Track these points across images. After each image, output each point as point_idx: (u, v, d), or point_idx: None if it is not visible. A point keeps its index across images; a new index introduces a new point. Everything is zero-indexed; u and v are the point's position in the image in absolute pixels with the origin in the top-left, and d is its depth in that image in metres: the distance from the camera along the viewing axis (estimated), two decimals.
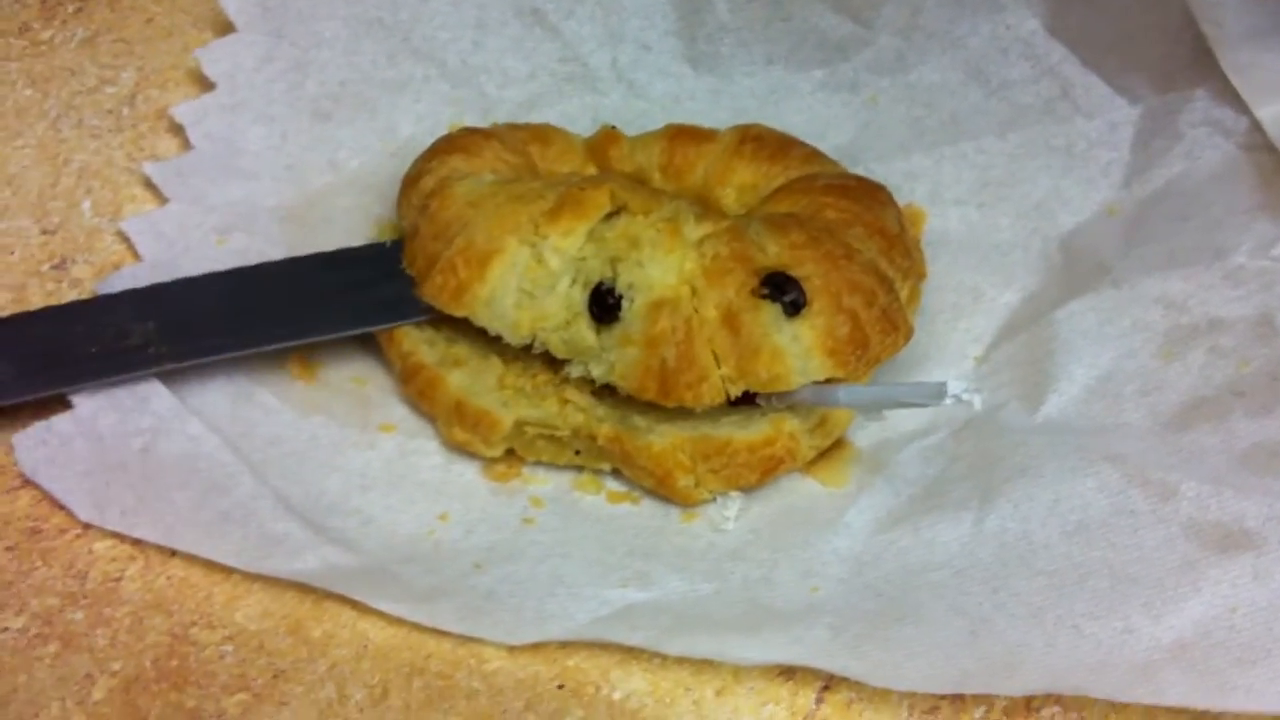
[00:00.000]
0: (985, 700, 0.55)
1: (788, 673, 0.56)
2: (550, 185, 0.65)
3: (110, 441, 0.61)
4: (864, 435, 0.66)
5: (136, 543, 0.59)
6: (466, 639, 0.57)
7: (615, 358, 0.62)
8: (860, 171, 0.72)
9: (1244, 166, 0.66)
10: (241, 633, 0.57)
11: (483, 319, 0.64)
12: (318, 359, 0.68)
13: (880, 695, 0.55)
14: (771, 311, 0.61)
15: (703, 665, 0.56)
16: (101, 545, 0.59)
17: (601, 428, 0.63)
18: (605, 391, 0.65)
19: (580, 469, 0.66)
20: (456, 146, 0.69)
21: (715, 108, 0.78)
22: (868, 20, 0.76)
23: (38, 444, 0.60)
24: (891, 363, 0.65)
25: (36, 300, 0.67)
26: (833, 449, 0.65)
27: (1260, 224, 0.64)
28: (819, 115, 0.77)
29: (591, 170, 0.71)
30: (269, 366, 0.66)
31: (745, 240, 0.62)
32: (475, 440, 0.64)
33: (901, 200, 0.72)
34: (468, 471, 0.65)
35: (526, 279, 0.63)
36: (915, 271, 0.67)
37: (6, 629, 0.56)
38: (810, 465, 0.65)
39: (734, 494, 0.64)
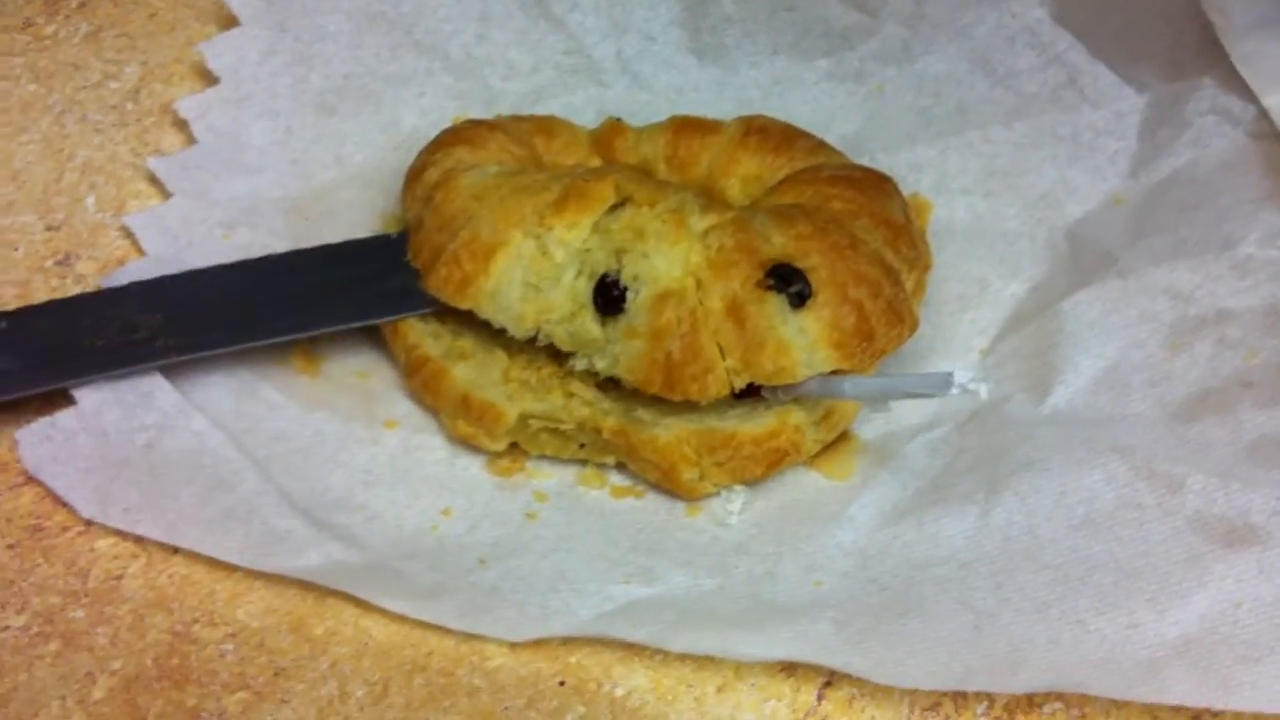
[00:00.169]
0: (987, 696, 0.55)
1: (789, 669, 0.56)
2: (555, 177, 0.65)
3: (114, 437, 0.61)
4: (869, 428, 0.66)
5: (138, 541, 0.59)
6: (468, 636, 0.57)
7: (620, 350, 0.62)
8: (866, 162, 0.72)
9: (1252, 155, 0.66)
10: (243, 630, 0.57)
11: (487, 312, 0.64)
12: (321, 353, 0.68)
13: (882, 692, 0.55)
14: (777, 303, 0.60)
15: (704, 662, 0.56)
16: (103, 543, 0.59)
17: (606, 421, 0.63)
18: (610, 384, 0.65)
19: (584, 463, 0.66)
20: (461, 138, 0.69)
21: (720, 99, 0.78)
22: (873, 9, 0.76)
23: (41, 440, 0.60)
24: (897, 355, 0.65)
25: (41, 296, 0.67)
26: (837, 442, 0.65)
27: (1268, 213, 0.63)
28: (824, 106, 0.77)
29: (596, 162, 0.71)
30: (273, 361, 0.66)
31: (750, 232, 0.62)
32: (480, 433, 0.64)
33: (907, 191, 0.71)
34: (471, 467, 0.65)
35: (531, 271, 0.62)
36: (921, 263, 0.66)
37: (8, 627, 0.56)
38: (815, 458, 0.65)
39: (738, 488, 0.64)
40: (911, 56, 0.75)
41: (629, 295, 0.62)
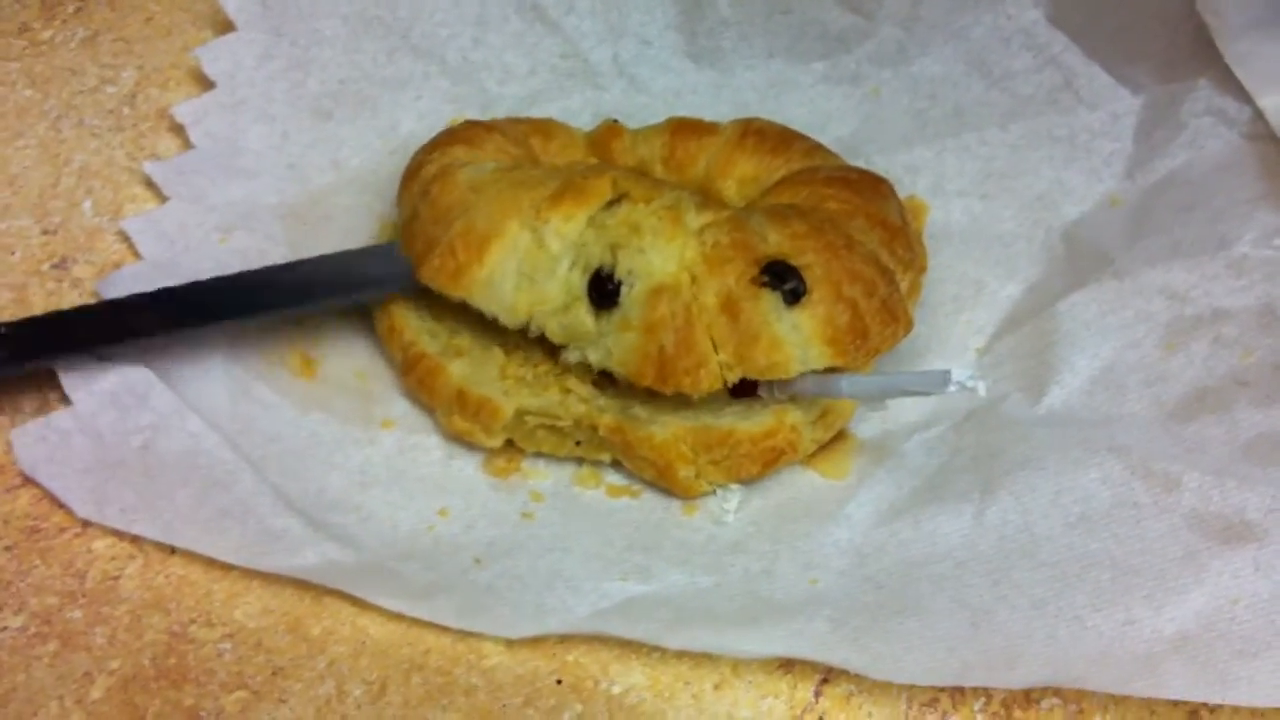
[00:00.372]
0: (985, 692, 0.55)
1: (786, 666, 0.56)
2: (552, 173, 0.65)
3: (110, 438, 0.61)
4: (865, 427, 0.66)
5: (135, 541, 0.59)
6: (465, 635, 0.57)
7: (613, 343, 0.62)
8: (861, 164, 0.72)
9: (1247, 156, 0.66)
10: (240, 630, 0.57)
11: (480, 301, 0.64)
12: (317, 355, 0.68)
13: (879, 688, 0.55)
14: (771, 300, 0.60)
15: (701, 659, 0.56)
16: (100, 544, 0.59)
17: (603, 418, 0.63)
18: (606, 382, 0.65)
19: (580, 462, 0.66)
20: (458, 138, 0.69)
21: (716, 101, 0.78)
22: (869, 12, 0.76)
23: (36, 440, 0.60)
24: (893, 355, 0.65)
25: (37, 299, 0.67)
26: (834, 441, 0.65)
27: (1263, 214, 0.64)
28: (820, 108, 0.77)
29: (593, 163, 0.71)
30: (268, 363, 0.66)
31: (746, 230, 0.62)
32: (476, 429, 0.64)
33: (903, 193, 0.72)
34: (467, 467, 0.65)
35: (526, 262, 0.62)
36: (917, 264, 0.67)
37: (5, 628, 0.56)
38: (811, 457, 0.65)
39: (734, 486, 0.64)
40: (907, 59, 0.76)
41: (623, 289, 0.62)
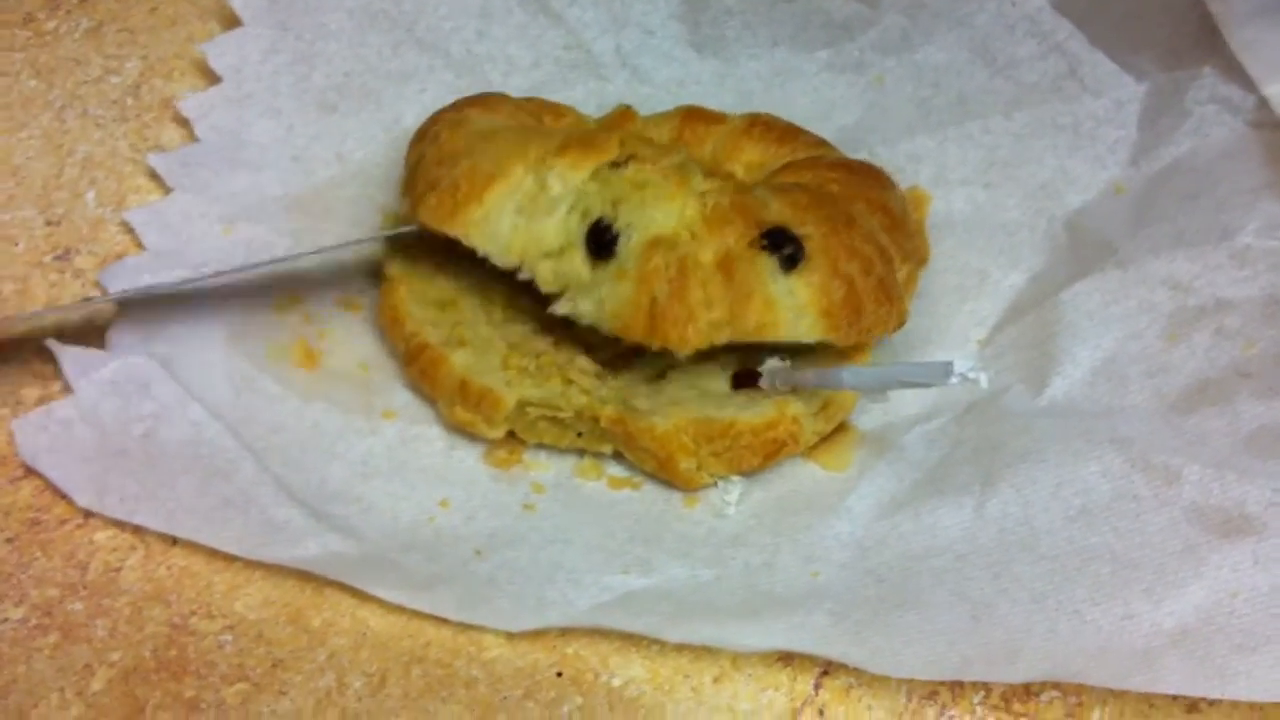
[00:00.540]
0: (984, 685, 0.55)
1: (786, 659, 0.56)
2: (563, 130, 0.66)
3: (111, 427, 0.61)
4: (867, 419, 0.66)
5: (137, 533, 0.59)
6: (466, 627, 0.57)
7: (606, 294, 0.61)
8: (865, 154, 0.72)
9: (1252, 144, 0.65)
10: (241, 622, 0.57)
11: (475, 239, 0.63)
12: (320, 345, 0.68)
13: (879, 681, 0.55)
14: (768, 263, 0.60)
15: (701, 652, 0.56)
16: (102, 536, 0.59)
17: (604, 409, 0.63)
18: (609, 373, 0.65)
19: (581, 454, 0.66)
20: (474, 103, 0.70)
21: (720, 91, 0.78)
22: (873, 0, 0.75)
23: (38, 429, 0.60)
24: (894, 346, 0.65)
25: (40, 290, 0.67)
26: (835, 433, 0.65)
27: (1267, 203, 0.63)
28: (824, 96, 0.77)
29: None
30: (271, 352, 0.66)
31: (749, 195, 0.62)
32: (478, 420, 0.64)
33: (907, 182, 0.72)
34: (469, 458, 0.65)
35: (525, 203, 0.62)
36: (915, 256, 0.66)
37: (6, 620, 0.56)
38: (812, 449, 0.65)
39: (735, 479, 0.64)
40: (911, 46, 0.75)
41: (620, 241, 0.61)
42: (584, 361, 0.65)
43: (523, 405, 0.64)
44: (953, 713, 0.55)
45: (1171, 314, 0.63)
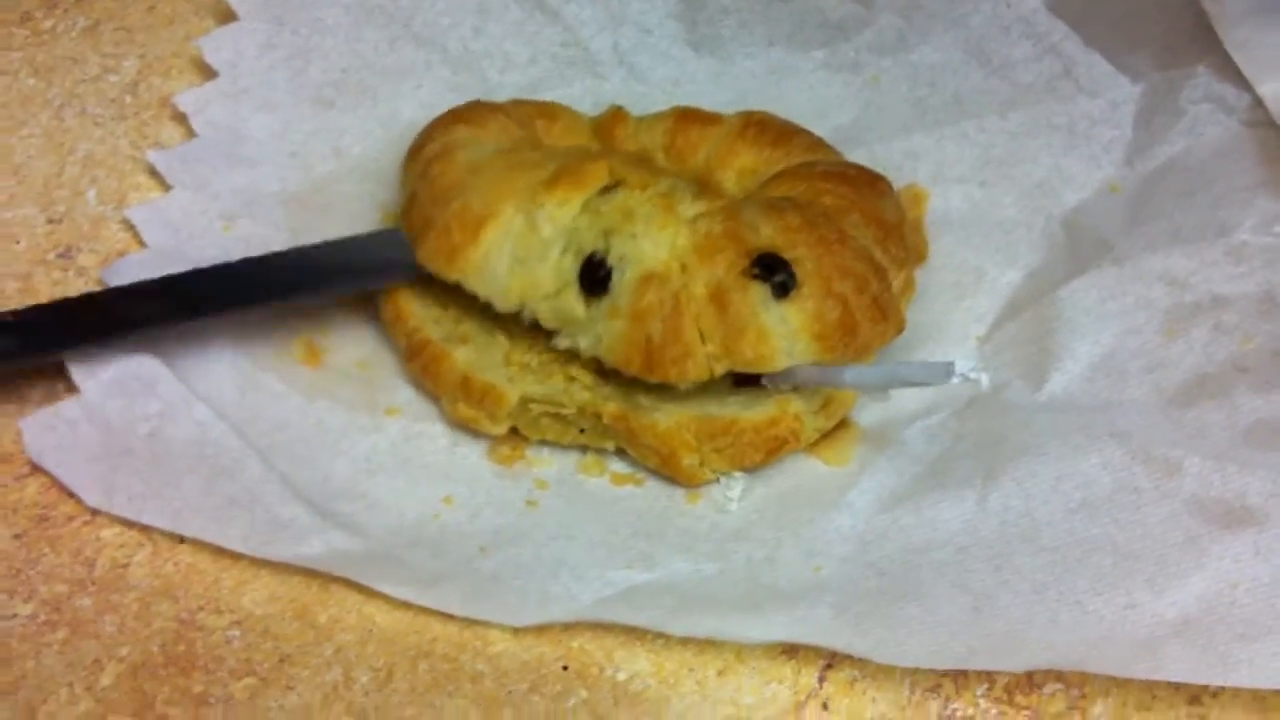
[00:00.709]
0: (987, 677, 0.55)
1: (790, 652, 0.56)
2: (550, 156, 0.65)
3: (117, 426, 0.61)
4: (867, 414, 0.67)
5: (144, 529, 0.59)
6: (471, 622, 0.57)
7: (603, 330, 0.62)
8: (862, 152, 0.72)
9: (1246, 143, 0.66)
10: (248, 618, 0.57)
11: (474, 284, 0.64)
12: (323, 343, 0.68)
13: (883, 673, 0.56)
14: (760, 292, 0.60)
15: (706, 645, 0.57)
16: (109, 532, 0.59)
17: (607, 406, 0.64)
18: (611, 369, 0.65)
19: (584, 450, 0.66)
20: (461, 118, 0.69)
21: (717, 90, 0.78)
22: (868, 0, 0.76)
23: (45, 429, 0.60)
24: (893, 345, 0.65)
25: (43, 288, 0.67)
26: (836, 429, 0.65)
27: (1263, 200, 0.64)
28: (820, 96, 0.77)
29: (595, 148, 0.71)
30: (275, 352, 0.66)
31: (739, 220, 0.62)
32: (480, 416, 0.65)
33: (903, 180, 0.72)
34: (472, 455, 0.66)
35: (519, 246, 0.63)
36: (912, 260, 0.67)
37: (15, 615, 0.56)
38: (814, 445, 0.65)
39: (737, 474, 0.64)
40: (907, 46, 0.76)
41: (614, 276, 0.62)
42: (585, 358, 0.65)
43: (525, 402, 0.64)
44: (956, 705, 0.55)
45: (1169, 310, 0.63)
